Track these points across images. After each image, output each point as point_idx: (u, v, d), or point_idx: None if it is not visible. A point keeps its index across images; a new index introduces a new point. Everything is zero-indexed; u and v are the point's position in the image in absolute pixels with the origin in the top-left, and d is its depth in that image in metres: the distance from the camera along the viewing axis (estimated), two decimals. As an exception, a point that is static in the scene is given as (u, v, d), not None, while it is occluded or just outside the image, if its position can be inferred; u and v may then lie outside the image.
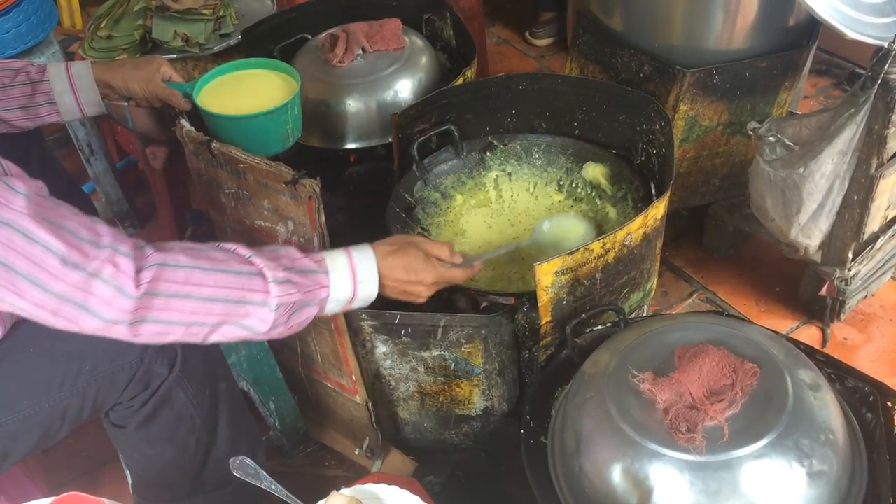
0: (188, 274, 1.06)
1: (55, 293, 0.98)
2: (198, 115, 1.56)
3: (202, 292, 1.07)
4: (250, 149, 1.45)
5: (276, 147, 1.59)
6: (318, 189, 1.34)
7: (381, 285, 1.26)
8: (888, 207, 1.83)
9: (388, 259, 1.26)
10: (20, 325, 1.27)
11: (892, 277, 2.09)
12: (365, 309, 1.45)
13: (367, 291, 1.24)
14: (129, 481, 1.47)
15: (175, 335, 1.09)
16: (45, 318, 1.01)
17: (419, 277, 1.29)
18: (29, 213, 0.96)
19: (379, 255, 1.26)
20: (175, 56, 2.00)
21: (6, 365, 1.21)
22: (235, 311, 1.10)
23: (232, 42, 2.05)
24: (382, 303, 1.52)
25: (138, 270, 1.02)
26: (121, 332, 1.05)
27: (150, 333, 1.06)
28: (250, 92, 1.59)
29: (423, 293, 1.32)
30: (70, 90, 1.50)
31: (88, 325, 1.02)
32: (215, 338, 1.12)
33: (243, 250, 1.14)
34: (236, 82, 1.62)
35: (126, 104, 1.65)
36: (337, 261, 1.21)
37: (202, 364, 1.34)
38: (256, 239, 1.56)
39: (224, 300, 1.08)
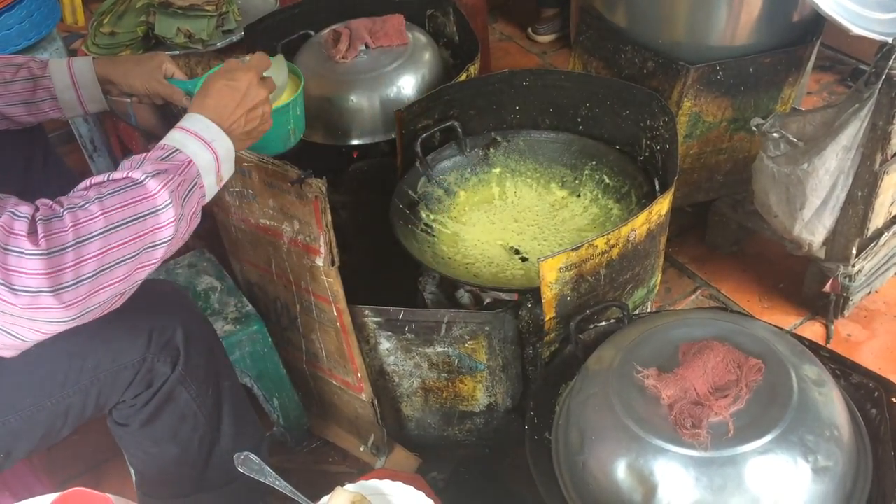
0: (73, 215, 0.98)
1: None
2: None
3: (97, 226, 0.98)
4: (251, 148, 1.45)
5: (277, 147, 1.58)
6: (324, 189, 1.34)
7: (228, 133, 1.18)
8: (892, 203, 1.83)
9: (208, 105, 1.19)
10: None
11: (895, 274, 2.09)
12: (369, 306, 1.46)
13: (224, 146, 1.17)
14: (133, 478, 1.47)
15: (106, 289, 1.00)
16: None
17: (243, 83, 1.22)
18: None
19: (200, 109, 1.18)
20: (178, 52, 2.00)
21: (8, 363, 1.21)
22: (142, 228, 1.02)
23: (235, 38, 2.05)
24: (384, 300, 1.52)
25: (31, 233, 0.95)
26: (49, 305, 0.95)
27: (79, 297, 0.97)
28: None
29: (260, 95, 1.25)
30: (72, 86, 1.49)
31: (18, 301, 0.94)
32: (144, 273, 1.05)
33: (98, 178, 1.05)
34: None
35: (129, 101, 1.65)
36: (176, 136, 1.14)
37: (205, 362, 1.34)
38: (261, 238, 1.56)
39: (123, 223, 1.00)
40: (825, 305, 2.00)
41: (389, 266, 1.72)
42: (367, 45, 1.85)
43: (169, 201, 1.04)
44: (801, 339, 1.28)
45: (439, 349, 1.53)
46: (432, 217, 1.73)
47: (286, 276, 1.57)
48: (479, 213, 1.76)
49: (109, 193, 1.01)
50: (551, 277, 1.36)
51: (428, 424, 1.71)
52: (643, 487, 1.09)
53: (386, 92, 1.81)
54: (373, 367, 1.61)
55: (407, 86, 1.82)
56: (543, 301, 1.39)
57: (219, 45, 2.04)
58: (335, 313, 1.50)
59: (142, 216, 1.02)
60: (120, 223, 1.00)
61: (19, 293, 0.94)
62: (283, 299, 1.64)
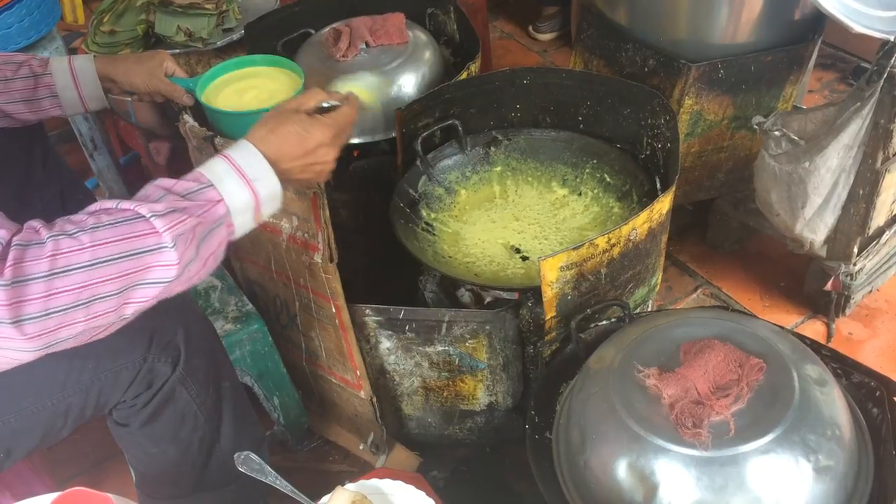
0: (56, 244, 0.91)
1: None
2: (201, 111, 1.56)
3: (81, 259, 0.91)
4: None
5: None
6: (322, 185, 1.34)
7: (280, 173, 1.10)
8: (893, 202, 1.82)
9: (270, 141, 1.11)
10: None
11: (897, 272, 2.08)
12: (369, 305, 1.45)
13: (269, 187, 1.08)
14: (133, 478, 1.47)
15: (79, 323, 0.93)
16: None
17: (314, 140, 1.15)
18: None
19: (258, 142, 1.10)
20: (178, 51, 2.00)
21: None
22: (133, 266, 0.94)
23: (235, 37, 2.04)
24: (384, 299, 1.52)
25: (2, 259, 0.88)
26: (10, 336, 0.89)
27: (46, 330, 0.91)
28: (254, 88, 1.59)
29: (328, 156, 1.18)
30: (72, 84, 1.49)
31: None
32: (131, 309, 0.97)
33: (109, 202, 0.98)
34: (240, 78, 1.62)
35: (129, 99, 1.65)
36: (216, 169, 1.05)
37: (206, 363, 1.33)
38: (260, 235, 1.55)
39: (113, 259, 0.93)
40: (826, 304, 1.99)
41: (390, 265, 1.72)
42: (367, 44, 1.85)
43: (172, 244, 0.96)
44: (802, 338, 1.27)
45: (440, 348, 1.53)
46: (433, 216, 1.73)
47: (285, 273, 1.56)
48: (479, 212, 1.75)
49: (107, 225, 0.95)
50: (552, 276, 1.36)
51: (428, 423, 1.71)
52: (644, 487, 1.09)
53: (386, 90, 1.80)
54: (373, 366, 1.60)
55: (407, 84, 1.82)
56: (544, 300, 1.39)
57: (219, 43, 2.03)
58: (334, 310, 1.50)
59: (137, 253, 0.95)
60: (108, 258, 0.93)
61: None
62: (283, 297, 1.64)
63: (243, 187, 1.06)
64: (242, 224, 1.08)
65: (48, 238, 0.92)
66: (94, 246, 0.93)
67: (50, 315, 0.91)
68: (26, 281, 0.89)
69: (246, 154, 1.08)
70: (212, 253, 1.04)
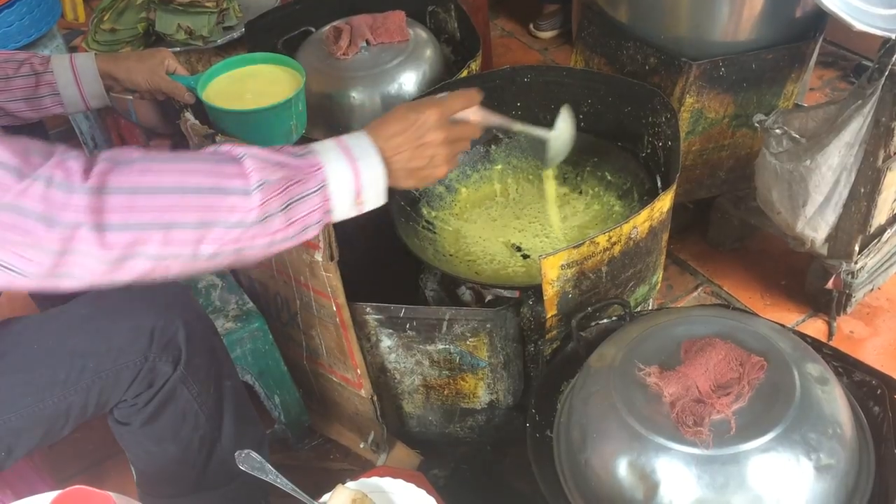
0: (146, 165, 0.93)
1: (4, 205, 0.87)
2: (202, 109, 1.56)
3: (168, 180, 0.93)
4: (253, 144, 1.45)
5: (279, 143, 1.58)
6: (322, 182, 1.34)
7: (386, 161, 1.08)
8: (895, 200, 1.82)
9: (379, 125, 1.10)
10: (24, 322, 1.27)
11: (898, 270, 2.08)
12: (370, 303, 1.45)
13: (371, 170, 1.06)
14: (134, 477, 1.47)
15: (154, 244, 0.93)
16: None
17: (423, 118, 1.11)
18: None
19: (369, 126, 1.11)
20: (178, 49, 2.00)
21: (10, 361, 1.21)
22: (216, 202, 0.94)
23: (235, 35, 2.04)
24: (385, 297, 1.52)
25: (87, 167, 0.91)
26: (88, 241, 0.90)
27: (123, 243, 0.91)
28: (255, 87, 1.59)
29: (440, 144, 1.13)
30: (74, 82, 1.49)
31: (48, 236, 0.88)
32: (206, 249, 0.96)
33: (212, 147, 1.02)
34: (241, 77, 1.62)
35: (130, 97, 1.65)
36: (324, 143, 1.06)
37: (207, 362, 1.33)
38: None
39: (197, 190, 0.94)
40: (828, 302, 1.99)
41: (390, 263, 1.72)
42: (367, 42, 1.85)
43: (257, 185, 0.96)
44: (803, 336, 1.27)
45: (440, 346, 1.53)
46: (433, 214, 1.73)
47: (286, 271, 1.56)
48: (480, 210, 1.75)
49: (202, 159, 0.97)
50: (553, 275, 1.36)
51: (429, 422, 1.71)
52: (645, 485, 1.08)
53: (387, 88, 1.80)
54: (374, 365, 1.60)
55: (408, 82, 1.82)
56: (545, 298, 1.39)
57: (219, 41, 2.03)
58: (334, 309, 1.50)
59: (223, 191, 0.95)
60: (193, 188, 0.94)
61: (56, 227, 0.88)
62: (283, 295, 1.64)
63: (345, 164, 1.05)
64: (341, 203, 1.06)
65: (139, 160, 0.94)
66: (183, 174, 0.95)
67: (129, 228, 0.92)
68: (111, 192, 0.91)
69: (354, 136, 1.09)
70: (300, 218, 1.02)
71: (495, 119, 1.28)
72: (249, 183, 0.96)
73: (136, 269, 0.95)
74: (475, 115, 1.21)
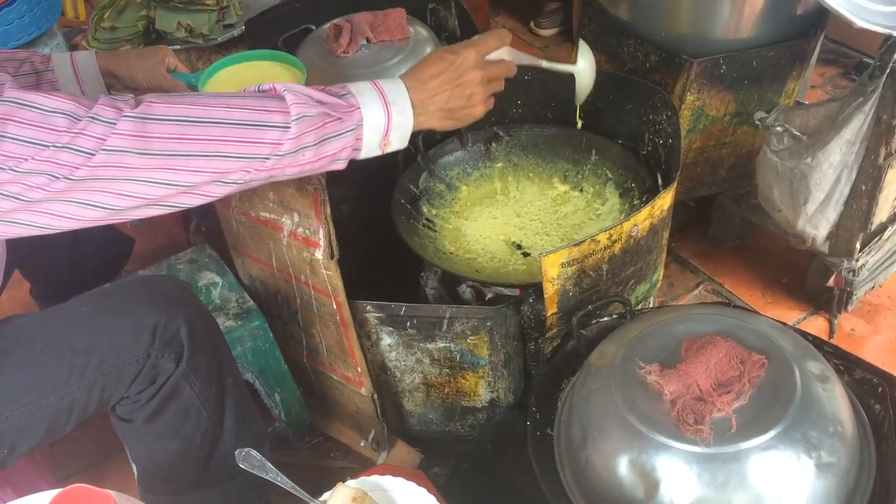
0: (193, 98, 1.01)
1: (60, 145, 0.96)
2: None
3: (215, 114, 1.01)
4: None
5: None
6: (323, 180, 1.34)
7: (420, 105, 1.15)
8: (896, 198, 1.82)
9: (413, 70, 1.17)
10: (26, 319, 1.27)
11: (899, 268, 2.08)
12: (371, 301, 1.45)
13: (402, 116, 1.13)
14: (135, 474, 1.47)
15: (202, 172, 1.01)
16: (51, 170, 0.97)
17: (462, 57, 1.15)
18: (17, 87, 0.96)
19: (405, 73, 1.17)
20: (179, 47, 1.99)
21: (13, 359, 1.21)
22: (257, 135, 1.02)
23: (236, 32, 2.04)
24: (386, 295, 1.52)
25: (137, 103, 0.99)
26: (134, 164, 0.99)
27: (168, 167, 1.00)
28: (256, 83, 1.58)
29: (477, 93, 1.18)
30: (74, 80, 1.49)
31: (95, 160, 0.97)
32: (247, 177, 1.04)
33: (252, 87, 1.10)
34: (241, 74, 1.61)
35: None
36: (360, 85, 1.13)
37: (209, 358, 1.33)
38: (262, 231, 1.55)
39: (242, 123, 1.01)
40: (828, 300, 1.99)
41: (391, 261, 1.72)
42: (368, 40, 1.84)
43: (296, 118, 1.03)
44: (804, 334, 1.27)
45: (441, 345, 1.53)
46: (434, 212, 1.73)
47: (286, 269, 1.56)
48: (480, 209, 1.75)
49: (248, 95, 1.04)
50: (553, 273, 1.36)
51: (430, 420, 1.71)
52: (645, 483, 1.08)
53: (387, 86, 1.80)
54: (374, 363, 1.60)
55: (408, 80, 1.82)
56: (545, 296, 1.38)
57: (219, 39, 2.03)
58: (335, 307, 1.50)
59: (266, 125, 1.02)
60: (238, 122, 1.01)
61: (101, 154, 0.96)
62: (284, 293, 1.64)
63: (380, 105, 1.11)
64: (370, 142, 1.12)
65: (187, 95, 1.03)
66: (230, 108, 1.02)
67: (176, 155, 0.99)
68: (159, 119, 0.99)
69: (390, 82, 1.14)
70: (331, 154, 1.09)
71: (525, 58, 1.34)
72: (289, 117, 1.03)
73: (178, 192, 1.03)
74: (507, 54, 1.26)
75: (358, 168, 1.75)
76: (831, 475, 1.06)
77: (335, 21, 1.90)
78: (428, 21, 2.01)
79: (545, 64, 1.44)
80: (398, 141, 1.15)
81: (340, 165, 1.13)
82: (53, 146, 0.95)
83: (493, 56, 1.23)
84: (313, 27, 1.96)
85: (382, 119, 1.12)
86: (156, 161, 0.99)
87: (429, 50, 1.87)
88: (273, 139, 1.03)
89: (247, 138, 1.02)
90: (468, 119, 1.22)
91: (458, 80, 1.17)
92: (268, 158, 1.04)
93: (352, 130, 1.09)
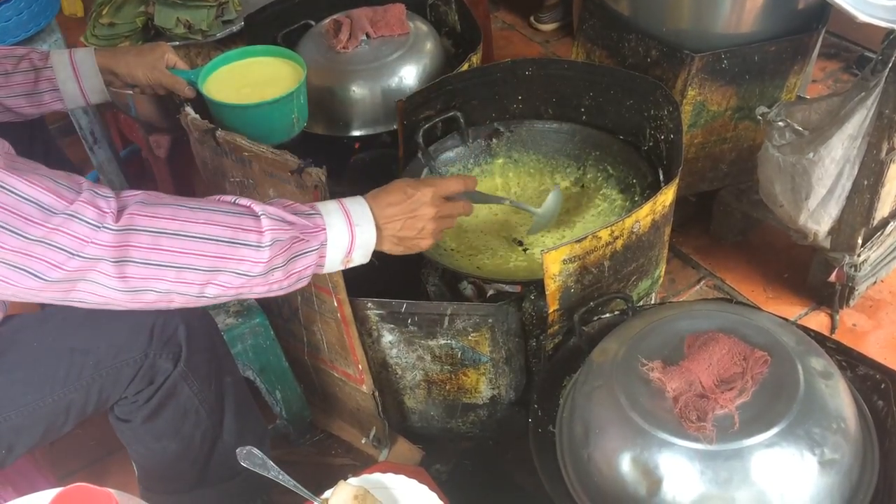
0: (175, 210, 1.03)
1: (34, 238, 0.94)
2: (202, 103, 1.55)
3: (191, 229, 1.03)
4: (254, 138, 1.44)
5: (280, 136, 1.57)
6: (324, 178, 1.33)
7: (378, 228, 1.20)
8: (898, 193, 1.81)
9: (378, 195, 1.22)
10: (23, 319, 1.27)
11: (901, 263, 2.07)
12: (372, 298, 1.44)
13: (365, 236, 1.19)
14: (136, 473, 1.47)
15: (166, 281, 1.02)
16: (24, 263, 0.95)
17: (418, 194, 1.23)
18: (1, 165, 0.95)
19: (369, 197, 1.22)
20: (177, 43, 1.98)
21: (10, 359, 1.21)
22: (230, 253, 1.04)
23: (235, 29, 2.03)
24: (386, 292, 1.51)
25: (121, 208, 1.00)
26: (107, 272, 0.99)
27: (139, 276, 1.01)
28: (256, 80, 1.58)
29: (428, 219, 1.25)
30: (73, 77, 1.49)
31: (70, 264, 0.97)
32: (211, 291, 1.06)
33: (229, 197, 1.11)
34: (242, 70, 1.61)
35: (130, 92, 1.64)
36: (329, 206, 1.17)
37: (207, 359, 1.33)
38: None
39: (215, 239, 1.04)
40: (830, 295, 1.99)
41: (391, 258, 1.71)
42: (368, 35, 1.84)
43: (269, 243, 1.06)
44: (807, 330, 1.27)
45: (442, 342, 1.52)
46: (434, 208, 1.72)
47: (288, 268, 1.56)
48: (481, 205, 1.74)
49: (224, 211, 1.06)
50: (555, 269, 1.35)
51: (431, 417, 1.70)
52: (648, 481, 1.08)
53: (387, 82, 1.80)
54: (375, 360, 1.60)
55: (408, 76, 1.81)
56: (547, 293, 1.38)
57: (218, 35, 2.02)
58: (335, 304, 1.50)
59: (238, 243, 1.05)
60: (213, 238, 1.04)
61: (77, 258, 0.97)
62: (285, 291, 1.63)
63: (345, 227, 1.16)
64: (332, 261, 1.17)
65: (170, 205, 1.03)
66: (208, 224, 1.04)
67: (146, 265, 1.01)
68: (138, 231, 1.00)
69: (355, 203, 1.20)
70: (297, 272, 1.13)
71: (490, 198, 1.54)
72: (263, 239, 1.06)
73: (144, 300, 1.04)
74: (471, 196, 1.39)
75: (359, 165, 1.74)
76: (834, 472, 1.06)
77: (335, 16, 1.90)
78: (428, 16, 2.01)
79: (509, 203, 1.59)
80: (360, 257, 1.21)
81: (304, 283, 1.16)
82: (26, 238, 0.94)
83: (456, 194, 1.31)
84: (312, 23, 1.96)
85: (346, 239, 1.17)
86: (130, 269, 1.00)
87: (429, 46, 1.86)
88: (242, 256, 1.05)
89: (223, 255, 1.04)
90: (415, 249, 1.28)
91: (412, 213, 1.23)
92: (240, 276, 1.06)
93: (316, 249, 1.13)
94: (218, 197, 1.11)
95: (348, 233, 1.17)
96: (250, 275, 1.07)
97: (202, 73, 1.55)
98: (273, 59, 1.61)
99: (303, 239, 1.11)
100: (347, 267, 1.21)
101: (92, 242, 0.97)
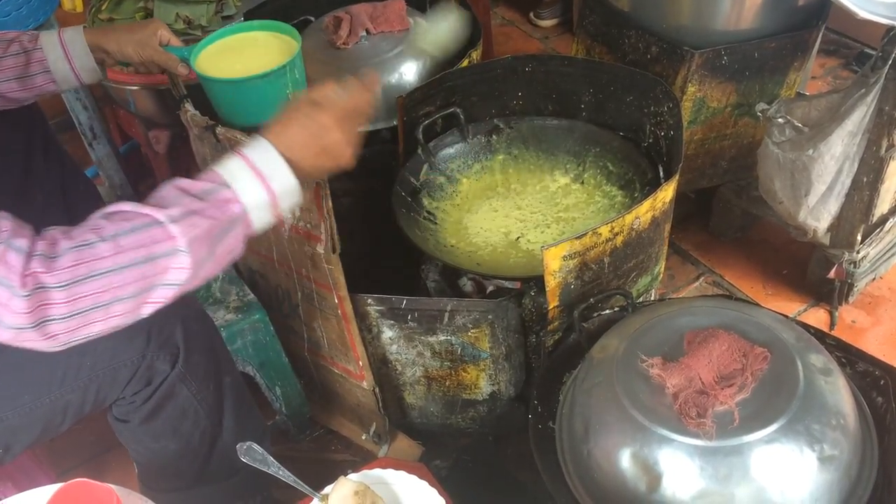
0: (78, 254, 0.95)
1: None
2: (202, 101, 1.54)
3: (101, 266, 0.95)
4: (250, 115, 1.40)
5: (275, 112, 1.53)
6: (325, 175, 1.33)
7: (294, 165, 1.09)
8: (898, 189, 1.82)
9: (281, 134, 1.11)
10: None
11: (900, 260, 2.08)
12: (372, 295, 1.44)
13: (284, 183, 1.08)
14: (136, 470, 1.47)
15: (98, 322, 0.98)
16: None
17: (318, 123, 1.12)
18: None
19: (271, 137, 1.10)
20: (177, 39, 1.98)
21: (6, 360, 1.20)
22: (150, 271, 0.98)
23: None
24: (386, 288, 1.51)
25: (25, 269, 0.92)
26: (32, 339, 0.95)
27: (67, 330, 0.96)
28: (250, 55, 1.52)
29: (340, 143, 1.15)
30: (64, 57, 1.44)
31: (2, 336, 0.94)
32: (149, 309, 1.01)
33: (126, 205, 1.01)
34: (236, 46, 1.55)
35: (128, 88, 1.63)
36: (231, 167, 1.06)
37: (205, 359, 1.32)
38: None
39: (130, 266, 0.96)
40: (829, 292, 1.99)
41: (391, 254, 1.71)
42: (368, 31, 1.84)
43: (186, 249, 0.99)
44: (806, 326, 1.27)
45: (442, 338, 1.52)
46: (434, 205, 1.72)
47: (287, 263, 1.56)
48: (481, 201, 1.75)
49: (126, 232, 0.98)
50: (555, 266, 1.35)
51: (431, 413, 1.71)
52: (648, 477, 1.08)
53: (387, 78, 1.79)
54: (375, 356, 1.60)
55: (408, 72, 1.81)
56: (547, 289, 1.38)
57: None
58: (336, 301, 1.50)
59: (154, 258, 0.98)
60: (129, 264, 0.97)
61: (2, 328, 0.94)
62: (285, 287, 1.63)
63: (258, 185, 1.06)
64: (260, 219, 1.08)
65: (70, 249, 0.95)
66: (115, 254, 0.96)
67: (72, 317, 0.95)
68: (48, 289, 0.93)
69: (260, 150, 1.09)
70: (227, 251, 1.06)
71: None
72: (178, 245, 0.99)
73: (84, 338, 0.99)
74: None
75: (359, 162, 1.74)
76: (834, 468, 1.06)
77: (334, 12, 1.89)
78: (427, 12, 2.00)
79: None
80: (290, 203, 1.11)
81: (240, 252, 1.08)
82: None
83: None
84: (312, 18, 1.95)
85: (264, 196, 1.07)
86: (53, 327, 0.95)
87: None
88: (165, 268, 0.99)
89: (144, 276, 0.98)
90: (342, 165, 1.18)
91: (321, 139, 1.13)
92: (171, 286, 1.01)
93: (237, 223, 1.05)
94: (115, 208, 1.01)
95: (264, 190, 1.06)
96: (180, 282, 1.01)
97: (195, 50, 1.50)
98: (266, 33, 1.56)
99: (218, 219, 1.02)
100: (284, 216, 1.11)
101: (8, 310, 0.92)
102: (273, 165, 1.08)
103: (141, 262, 0.97)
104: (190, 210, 1.00)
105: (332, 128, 1.13)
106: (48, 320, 0.94)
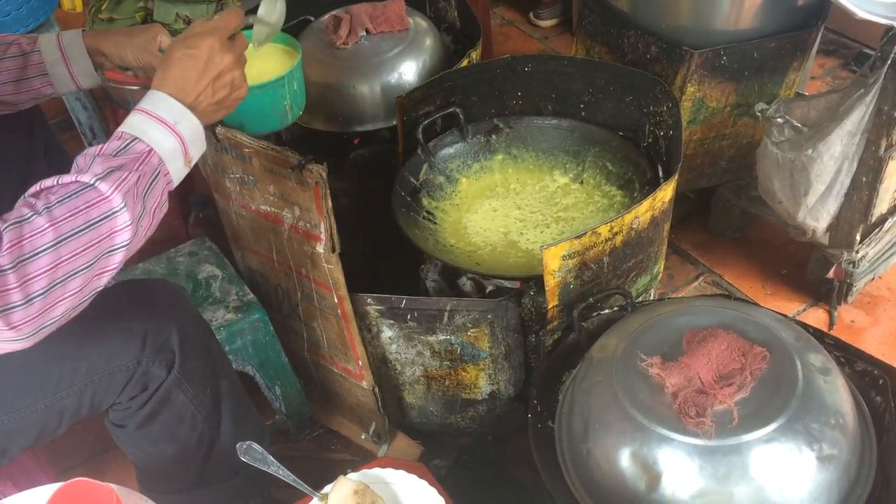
0: (16, 231, 0.93)
1: None
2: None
3: (45, 240, 0.94)
4: (247, 125, 1.40)
5: (274, 124, 1.52)
6: (324, 174, 1.33)
7: (194, 109, 1.09)
8: (897, 189, 1.82)
9: (169, 79, 1.09)
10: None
11: (899, 259, 2.08)
12: (371, 294, 1.44)
13: (190, 126, 1.08)
14: (135, 472, 1.47)
15: (59, 303, 0.96)
16: None
17: (203, 53, 1.10)
18: None
19: (162, 85, 1.09)
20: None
21: (2, 365, 1.20)
22: (96, 236, 0.97)
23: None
24: (386, 288, 1.52)
25: None
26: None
27: (31, 316, 0.94)
28: (250, 64, 1.52)
29: (231, 64, 1.13)
30: (62, 60, 1.42)
31: None
32: (105, 278, 1.00)
33: (48, 181, 0.99)
34: None
35: (127, 88, 1.62)
36: (135, 123, 1.06)
37: (201, 364, 1.32)
38: (262, 225, 1.55)
39: (73, 234, 0.95)
40: (828, 292, 1.99)
41: (391, 254, 1.71)
42: (367, 31, 1.84)
43: (123, 204, 0.98)
44: (805, 326, 1.27)
45: (441, 337, 1.53)
46: (434, 204, 1.72)
47: (287, 263, 1.56)
48: (481, 201, 1.75)
49: (58, 201, 0.96)
50: (554, 265, 1.35)
51: (430, 412, 1.71)
52: (647, 476, 1.08)
53: (387, 78, 1.79)
54: (375, 356, 1.60)
55: (408, 72, 1.81)
56: (546, 289, 1.38)
57: (218, 31, 2.02)
58: (336, 300, 1.50)
59: (95, 222, 0.97)
60: (71, 233, 0.95)
61: None
62: (284, 287, 1.63)
63: (167, 133, 1.06)
64: (177, 170, 1.08)
65: (5, 229, 0.93)
66: (54, 224, 0.95)
67: (32, 300, 0.93)
68: (6, 272, 0.91)
69: (156, 100, 1.08)
70: (157, 205, 1.05)
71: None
72: (114, 204, 0.98)
73: (50, 324, 0.97)
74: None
75: (358, 161, 1.74)
76: (833, 467, 1.06)
77: (334, 12, 1.90)
78: (427, 12, 2.01)
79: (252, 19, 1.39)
80: (198, 149, 1.12)
81: (166, 207, 1.08)
82: None
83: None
84: (312, 18, 1.96)
85: (175, 142, 1.07)
86: (15, 316, 0.93)
87: (429, 41, 1.86)
88: (114, 229, 0.98)
89: (91, 242, 0.97)
90: (237, 103, 1.18)
91: (213, 71, 1.12)
92: (119, 249, 1.00)
93: (158, 173, 1.05)
94: (38, 186, 1.00)
95: (173, 136, 1.06)
96: (126, 242, 1.00)
97: None
98: (271, 43, 1.57)
99: (142, 171, 1.02)
100: (192, 165, 1.11)
101: None
102: (174, 111, 1.08)
103: (83, 229, 0.96)
104: (111, 167, 0.99)
105: (218, 49, 1.12)
106: (6, 309, 0.92)
